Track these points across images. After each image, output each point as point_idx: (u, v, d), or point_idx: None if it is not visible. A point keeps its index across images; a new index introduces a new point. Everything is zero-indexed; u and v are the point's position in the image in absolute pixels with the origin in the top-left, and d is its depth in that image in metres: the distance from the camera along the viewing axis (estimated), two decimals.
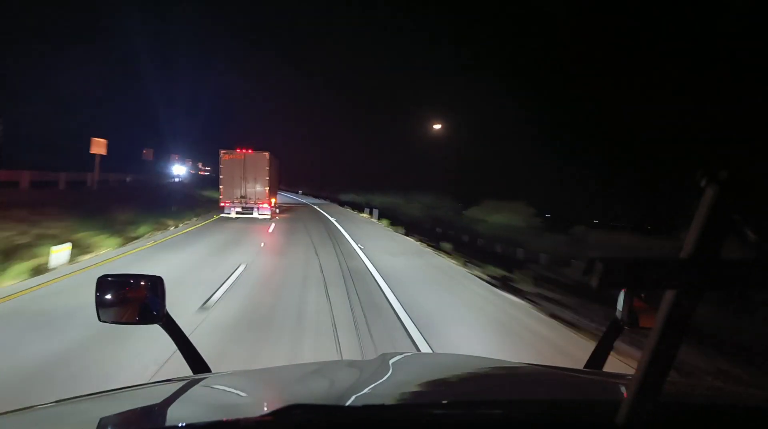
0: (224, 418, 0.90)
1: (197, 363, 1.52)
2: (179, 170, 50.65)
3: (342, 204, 41.87)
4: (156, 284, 1.49)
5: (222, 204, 22.66)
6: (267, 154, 23.26)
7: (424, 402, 1.10)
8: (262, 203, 22.62)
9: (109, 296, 1.49)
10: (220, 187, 22.93)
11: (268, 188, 22.84)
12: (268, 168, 22.99)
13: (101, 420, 0.95)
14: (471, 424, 0.87)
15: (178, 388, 1.22)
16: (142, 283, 1.49)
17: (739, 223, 0.59)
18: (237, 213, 22.24)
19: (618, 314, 1.50)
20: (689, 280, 0.61)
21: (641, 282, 0.68)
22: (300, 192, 70.42)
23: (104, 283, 1.50)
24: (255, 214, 22.35)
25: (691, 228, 0.60)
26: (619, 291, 1.49)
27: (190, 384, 1.29)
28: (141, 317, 1.47)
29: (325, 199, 53.56)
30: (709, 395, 1.32)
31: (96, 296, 1.47)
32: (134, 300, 1.48)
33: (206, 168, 72.90)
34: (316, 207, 36.62)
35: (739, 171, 0.57)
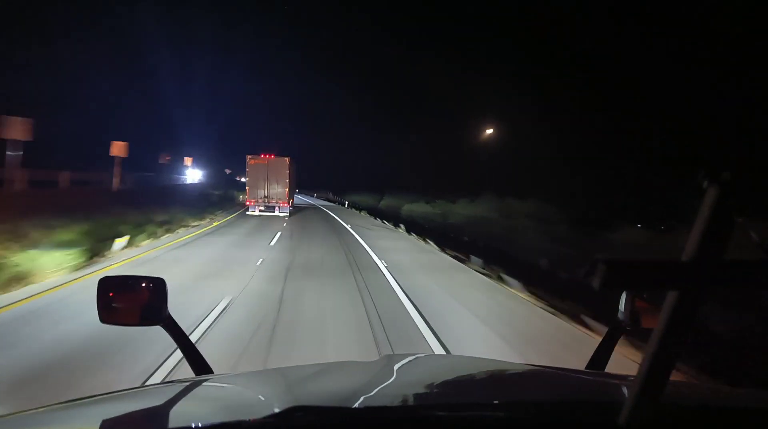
0: (226, 420, 0.90)
1: (199, 364, 1.52)
2: (194, 174, 51.68)
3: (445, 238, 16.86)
4: (157, 286, 1.48)
5: (247, 202, 26.29)
6: (288, 159, 26.71)
7: (427, 403, 1.10)
8: (283, 203, 26.02)
9: (110, 297, 1.49)
10: (246, 187, 26.68)
11: (287, 189, 26.18)
12: (288, 171, 26.26)
13: (103, 422, 0.95)
14: (474, 425, 0.87)
15: (180, 389, 1.22)
16: (144, 284, 1.49)
17: (741, 224, 0.59)
18: (260, 211, 25.83)
19: (620, 315, 1.50)
20: (692, 281, 0.61)
21: (644, 283, 0.68)
22: (349, 203, 47.72)
23: (106, 284, 1.49)
24: (276, 212, 25.82)
25: (693, 229, 0.60)
26: (621, 292, 1.49)
27: (192, 386, 1.29)
28: (143, 319, 1.46)
29: (377, 215, 30.95)
30: (710, 395, 1.32)
31: (97, 297, 1.47)
32: (136, 301, 1.47)
33: (227, 171, 70.68)
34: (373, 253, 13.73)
35: (742, 172, 0.57)
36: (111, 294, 1.49)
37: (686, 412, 0.89)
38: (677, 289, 0.61)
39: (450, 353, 5.45)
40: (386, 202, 40.44)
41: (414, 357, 1.64)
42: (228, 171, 69.32)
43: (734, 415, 0.91)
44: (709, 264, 0.59)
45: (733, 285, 0.63)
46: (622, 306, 1.48)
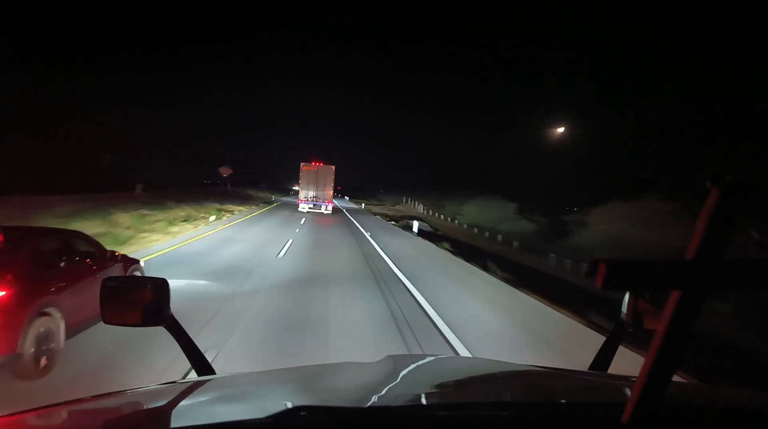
0: (228, 420, 0.90)
1: (201, 365, 1.52)
2: None
3: None
4: (160, 286, 1.48)
5: (299, 201, 34.03)
6: (333, 167, 33.53)
7: (429, 404, 1.10)
8: (328, 202, 33.39)
9: (114, 298, 1.49)
10: (299, 188, 34.00)
11: (331, 192, 33.56)
12: (333, 177, 33.35)
13: (105, 423, 0.95)
14: (476, 425, 0.87)
15: (182, 390, 1.22)
16: (148, 285, 1.49)
17: (743, 224, 0.59)
18: (309, 208, 33.21)
19: (622, 316, 1.49)
20: (694, 282, 0.61)
21: (646, 283, 0.68)
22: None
23: (109, 285, 1.50)
24: (322, 210, 33.19)
25: (695, 229, 0.60)
26: (624, 293, 1.48)
27: (194, 386, 1.29)
28: (145, 319, 1.46)
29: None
30: (712, 396, 1.32)
31: (100, 298, 1.47)
32: (139, 302, 1.47)
33: (224, 172, 59.05)
34: None
35: (744, 173, 0.57)
36: (114, 295, 1.49)
37: (688, 413, 0.88)
38: (679, 290, 0.61)
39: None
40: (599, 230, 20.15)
41: (416, 358, 1.64)
42: (226, 172, 45.66)
43: (735, 415, 0.91)
44: (712, 264, 0.59)
45: (735, 285, 0.63)
46: (624, 306, 1.48)
